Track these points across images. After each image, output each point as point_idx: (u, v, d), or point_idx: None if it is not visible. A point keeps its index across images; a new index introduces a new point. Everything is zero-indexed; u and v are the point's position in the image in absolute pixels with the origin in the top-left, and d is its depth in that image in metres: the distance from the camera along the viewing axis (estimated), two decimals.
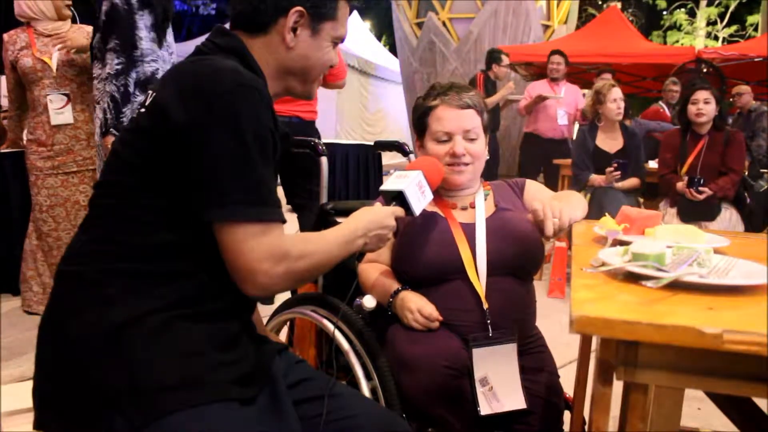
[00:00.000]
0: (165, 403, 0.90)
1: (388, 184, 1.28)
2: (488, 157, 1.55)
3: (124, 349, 0.92)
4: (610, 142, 3.87)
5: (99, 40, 2.45)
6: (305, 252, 1.01)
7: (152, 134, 0.97)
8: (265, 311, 1.40)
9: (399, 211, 1.24)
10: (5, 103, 3.93)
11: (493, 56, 5.66)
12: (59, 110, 2.81)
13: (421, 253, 1.43)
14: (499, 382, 1.34)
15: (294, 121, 2.98)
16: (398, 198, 1.25)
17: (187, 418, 0.90)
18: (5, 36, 2.92)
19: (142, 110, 1.03)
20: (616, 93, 3.79)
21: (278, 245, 0.97)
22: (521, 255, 1.42)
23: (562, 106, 5.32)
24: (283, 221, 1.00)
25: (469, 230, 1.44)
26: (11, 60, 2.88)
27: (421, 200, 1.27)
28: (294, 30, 1.09)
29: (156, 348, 0.93)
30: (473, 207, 1.51)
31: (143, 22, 2.45)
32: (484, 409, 1.32)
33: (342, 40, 1.17)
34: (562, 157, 4.91)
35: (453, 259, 1.40)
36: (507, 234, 1.43)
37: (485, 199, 1.53)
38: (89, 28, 2.80)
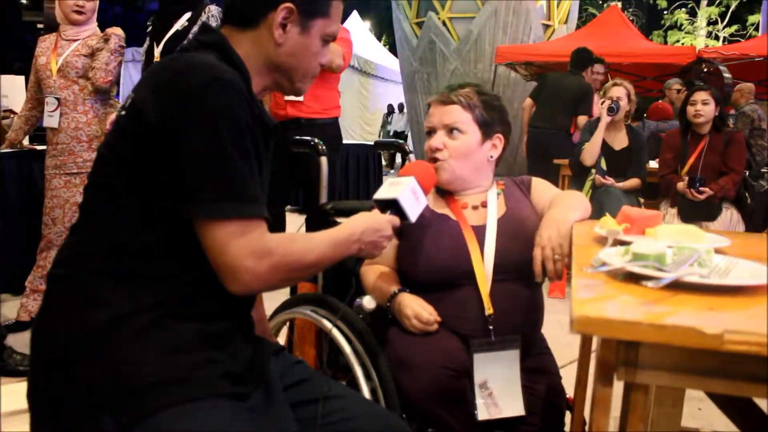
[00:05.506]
0: (152, 401, 0.89)
1: (382, 192, 1.26)
2: (493, 157, 1.51)
3: (110, 349, 0.92)
4: (614, 140, 3.87)
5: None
6: (291, 250, 0.99)
7: (131, 135, 0.96)
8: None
9: (396, 220, 1.21)
10: (5, 103, 3.95)
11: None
12: (50, 113, 2.82)
13: (432, 259, 1.40)
14: (498, 388, 1.33)
15: (318, 121, 2.86)
16: (393, 206, 1.22)
17: (175, 415, 0.89)
18: (40, 38, 2.97)
19: (122, 112, 1.02)
20: (614, 92, 3.79)
21: (259, 241, 0.94)
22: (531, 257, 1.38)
23: None
24: (265, 217, 0.97)
25: (481, 233, 1.42)
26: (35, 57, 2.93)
27: (415, 206, 1.25)
28: (283, 26, 1.06)
29: (142, 347, 0.93)
30: (484, 206, 1.48)
31: None
32: (482, 414, 1.31)
33: (334, 38, 1.15)
34: None
35: (464, 267, 1.38)
36: (518, 235, 1.41)
37: (497, 198, 1.50)
38: (119, 32, 2.85)
